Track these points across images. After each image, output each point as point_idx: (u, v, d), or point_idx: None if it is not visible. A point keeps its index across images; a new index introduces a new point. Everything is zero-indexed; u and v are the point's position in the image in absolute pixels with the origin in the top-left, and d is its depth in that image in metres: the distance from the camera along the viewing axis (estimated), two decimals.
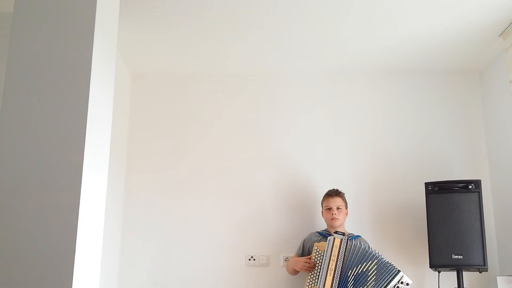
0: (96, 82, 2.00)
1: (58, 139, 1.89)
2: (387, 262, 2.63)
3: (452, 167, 3.33)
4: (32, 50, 1.98)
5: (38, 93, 1.94)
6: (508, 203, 3.05)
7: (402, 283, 2.57)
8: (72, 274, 1.78)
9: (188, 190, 3.37)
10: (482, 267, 2.80)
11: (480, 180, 2.94)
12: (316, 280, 2.70)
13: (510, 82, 2.90)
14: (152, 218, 3.34)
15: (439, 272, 3.00)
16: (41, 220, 1.82)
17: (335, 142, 3.42)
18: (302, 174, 3.37)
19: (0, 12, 2.66)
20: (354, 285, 2.59)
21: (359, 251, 2.65)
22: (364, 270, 2.61)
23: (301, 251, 3.02)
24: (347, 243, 2.66)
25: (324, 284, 2.61)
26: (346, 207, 3.04)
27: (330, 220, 2.96)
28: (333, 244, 2.67)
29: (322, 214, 3.08)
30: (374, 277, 2.59)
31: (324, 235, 2.96)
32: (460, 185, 2.93)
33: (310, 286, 2.73)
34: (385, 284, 2.56)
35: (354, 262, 2.63)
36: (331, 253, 2.66)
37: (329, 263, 2.64)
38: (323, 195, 3.09)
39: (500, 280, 2.77)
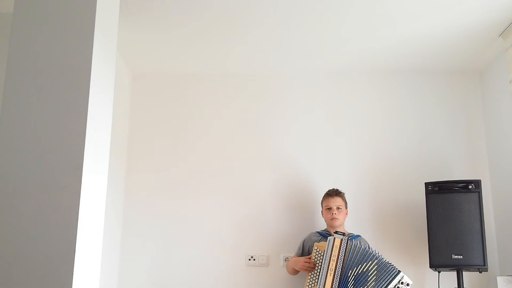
0: (96, 82, 2.00)
1: (58, 139, 1.89)
2: (387, 262, 2.63)
3: (452, 167, 3.33)
4: (32, 50, 1.98)
5: (38, 93, 1.94)
6: (508, 203, 3.05)
7: (402, 283, 2.57)
8: (72, 274, 1.78)
9: (188, 190, 3.37)
10: (482, 267, 2.80)
11: (480, 180, 2.94)
12: (316, 280, 2.69)
13: (510, 82, 2.90)
14: (152, 218, 3.34)
15: (439, 272, 3.00)
16: (41, 220, 1.82)
17: (335, 142, 3.42)
18: (302, 174, 3.37)
19: (0, 12, 2.66)
20: (354, 285, 2.59)
21: (359, 251, 2.65)
22: (364, 270, 2.61)
23: (301, 251, 3.02)
24: (347, 243, 2.66)
25: (324, 284, 2.61)
26: (346, 207, 3.04)
27: (330, 220, 2.96)
28: (333, 244, 2.67)
29: (322, 214, 3.08)
30: (374, 277, 2.59)
31: (324, 235, 2.96)
32: (460, 185, 2.93)
33: (310, 286, 2.73)
34: (385, 285, 2.56)
35: (354, 262, 2.63)
36: (331, 253, 2.66)
37: (329, 263, 2.64)
38: (323, 195, 3.09)
39: (500, 280, 2.77)
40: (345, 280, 2.61)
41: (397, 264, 2.68)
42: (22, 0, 2.04)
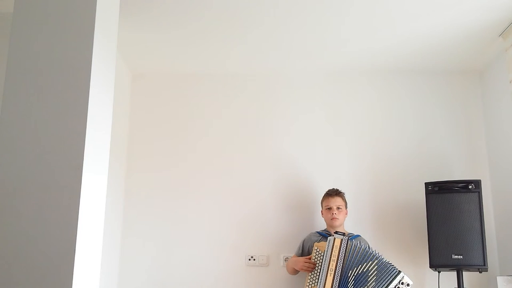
0: (96, 82, 2.00)
1: (58, 139, 1.89)
2: (388, 262, 2.63)
3: (452, 167, 3.33)
4: (32, 50, 1.98)
5: (38, 93, 1.94)
6: (508, 203, 3.05)
7: (402, 283, 2.57)
8: (72, 274, 1.78)
9: (188, 190, 3.37)
10: (482, 267, 2.80)
11: (480, 180, 2.94)
12: (316, 281, 2.69)
13: (510, 82, 2.90)
14: (152, 218, 3.34)
15: (439, 272, 3.00)
16: (41, 220, 1.82)
17: (335, 142, 3.42)
18: (302, 174, 3.37)
19: (0, 12, 2.66)
20: (355, 285, 2.59)
21: (359, 251, 2.64)
22: (364, 270, 2.61)
23: (300, 251, 3.02)
24: (347, 243, 2.66)
25: (325, 284, 2.61)
26: (346, 207, 3.04)
27: (330, 220, 2.96)
28: (333, 244, 2.67)
29: (322, 214, 3.08)
30: (375, 277, 2.59)
31: (324, 235, 2.96)
32: (460, 185, 2.93)
33: (310, 286, 2.73)
34: (385, 285, 2.56)
35: (355, 263, 2.63)
36: (331, 253, 2.66)
37: (329, 263, 2.64)
38: (323, 195, 3.09)
39: (500, 280, 2.77)
40: (345, 280, 2.61)
41: (397, 264, 2.68)
42: (22, 0, 2.04)
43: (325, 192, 3.08)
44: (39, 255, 1.80)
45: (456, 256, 2.83)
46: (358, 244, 2.68)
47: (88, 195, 1.93)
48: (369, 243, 2.97)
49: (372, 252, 2.65)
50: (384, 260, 2.63)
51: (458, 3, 2.63)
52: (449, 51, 3.20)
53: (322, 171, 3.36)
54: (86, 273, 1.91)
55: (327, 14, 2.75)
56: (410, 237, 3.24)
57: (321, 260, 2.72)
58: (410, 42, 3.08)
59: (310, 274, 2.76)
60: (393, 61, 3.36)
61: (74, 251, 1.80)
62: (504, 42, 2.96)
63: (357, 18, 2.79)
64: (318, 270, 2.72)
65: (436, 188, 2.97)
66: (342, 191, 3.06)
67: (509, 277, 2.77)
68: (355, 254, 2.64)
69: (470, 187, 2.90)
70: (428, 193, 3.00)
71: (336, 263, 2.63)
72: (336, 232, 2.76)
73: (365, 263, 2.62)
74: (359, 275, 2.60)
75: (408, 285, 2.58)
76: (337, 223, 2.95)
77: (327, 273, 2.62)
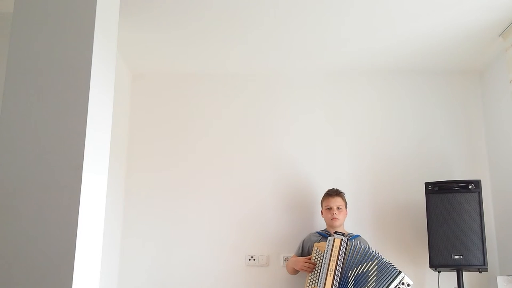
0: (96, 82, 2.00)
1: (58, 139, 1.89)
2: (388, 262, 2.63)
3: (452, 167, 3.33)
4: (32, 50, 1.98)
5: (38, 93, 1.94)
6: (508, 203, 3.05)
7: (403, 284, 2.57)
8: (72, 274, 1.78)
9: (188, 190, 3.37)
10: (482, 267, 2.80)
11: (480, 180, 2.94)
12: (317, 281, 2.69)
13: (510, 82, 2.90)
14: (152, 218, 3.34)
15: (439, 272, 3.00)
16: (41, 220, 1.82)
17: (335, 142, 3.42)
18: (302, 174, 3.37)
19: (0, 12, 2.66)
20: (355, 285, 2.59)
21: (359, 251, 2.64)
22: (364, 270, 2.61)
23: (300, 251, 3.02)
24: (347, 243, 2.66)
25: (325, 284, 2.61)
26: (346, 207, 3.04)
27: (331, 220, 2.96)
28: (333, 245, 2.67)
29: (322, 214, 3.08)
30: (375, 277, 2.58)
31: (323, 235, 2.96)
32: (460, 185, 2.93)
33: (310, 286, 2.73)
34: (386, 285, 2.56)
35: (354, 263, 2.63)
36: (331, 253, 2.66)
37: (329, 263, 2.64)
38: (323, 195, 3.09)
39: (500, 280, 2.77)
40: (345, 280, 2.61)
41: (397, 264, 2.68)
42: (22, 0, 2.04)
43: (325, 192, 3.08)
44: (39, 255, 1.80)
45: (456, 256, 2.83)
46: (358, 244, 2.68)
47: (88, 195, 1.93)
48: (369, 243, 2.97)
49: (372, 252, 2.65)
50: (384, 260, 2.63)
51: (458, 3, 2.63)
52: (449, 51, 3.20)
53: (322, 171, 3.36)
54: (86, 273, 1.91)
55: (327, 14, 2.75)
56: (410, 237, 3.24)
57: (321, 261, 2.72)
58: (410, 42, 3.08)
59: (310, 274, 2.76)
60: (393, 61, 3.36)
61: (74, 251, 1.80)
62: (504, 42, 2.96)
63: (357, 18, 2.79)
64: (318, 270, 2.72)
65: (436, 188, 2.97)
66: (342, 191, 3.06)
67: (509, 277, 2.77)
68: (355, 254, 2.64)
69: (470, 187, 2.90)
70: (428, 193, 3.00)
71: (336, 263, 2.63)
72: (336, 232, 2.76)
73: (365, 263, 2.62)
74: (359, 275, 2.60)
75: (408, 285, 2.58)
76: (337, 223, 2.95)
77: (327, 273, 2.62)
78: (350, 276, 2.61)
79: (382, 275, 2.59)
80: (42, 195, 1.84)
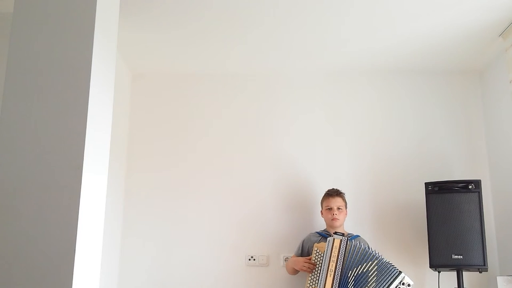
0: (96, 82, 2.00)
1: (58, 139, 1.89)
2: (388, 262, 2.63)
3: (452, 167, 3.33)
4: (32, 50, 1.98)
5: (38, 93, 1.94)
6: (508, 203, 3.05)
7: (403, 284, 2.57)
8: (72, 274, 1.78)
9: (188, 190, 3.37)
10: (482, 267, 2.80)
11: (480, 180, 2.94)
12: (317, 281, 2.69)
13: (510, 82, 2.90)
14: (152, 218, 3.34)
15: (439, 272, 3.00)
16: (41, 220, 1.82)
17: (335, 142, 3.42)
18: (302, 174, 3.37)
19: (0, 12, 2.66)
20: (355, 285, 2.59)
21: (359, 251, 2.64)
22: (364, 270, 2.61)
23: (300, 251, 3.01)
24: (346, 243, 2.66)
25: (325, 285, 2.61)
26: (346, 207, 3.04)
27: (331, 221, 2.96)
28: (332, 245, 2.67)
29: (322, 214, 3.07)
30: (375, 277, 2.58)
31: (323, 235, 2.95)
32: (460, 185, 2.93)
33: (310, 287, 2.73)
34: (386, 285, 2.56)
35: (354, 263, 2.63)
36: (330, 253, 2.66)
37: (329, 264, 2.64)
38: (323, 195, 3.09)
39: (500, 280, 2.77)
40: (345, 280, 2.61)
41: (397, 264, 2.68)
42: (22, 0, 2.04)
43: (325, 192, 3.08)
44: (39, 255, 1.80)
45: (456, 256, 2.82)
46: (358, 244, 2.68)
47: (88, 195, 1.93)
48: (369, 243, 2.97)
49: (372, 252, 2.65)
50: (384, 260, 2.63)
51: (458, 3, 2.63)
52: (449, 51, 3.20)
53: (322, 171, 3.36)
54: (86, 273, 1.91)
55: (327, 14, 2.75)
56: (410, 237, 3.24)
57: (321, 261, 2.72)
58: (410, 42, 3.08)
59: (310, 275, 2.76)
60: (393, 61, 3.36)
61: (74, 251, 1.80)
62: (504, 42, 2.96)
63: (357, 18, 2.79)
64: (318, 271, 2.72)
65: (436, 188, 2.97)
66: (342, 191, 3.06)
67: (509, 277, 2.77)
68: (354, 254, 2.64)
69: (470, 187, 2.90)
70: (428, 193, 3.00)
71: (336, 264, 2.63)
72: (335, 233, 2.76)
73: (365, 263, 2.62)
74: (359, 276, 2.60)
75: (409, 285, 2.58)
76: (337, 223, 2.95)
77: (327, 274, 2.62)
78: (350, 276, 2.61)
79: (382, 275, 2.59)
80: (42, 195, 1.84)
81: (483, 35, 2.98)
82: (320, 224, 3.16)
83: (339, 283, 2.60)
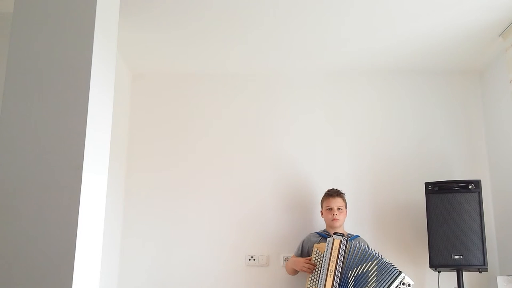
0: (96, 82, 2.00)
1: (58, 139, 1.89)
2: (388, 262, 2.63)
3: (452, 167, 3.33)
4: (32, 50, 1.98)
5: (38, 93, 1.94)
6: (508, 203, 3.05)
7: (403, 284, 2.57)
8: (72, 274, 1.78)
9: (188, 190, 3.37)
10: (482, 267, 2.80)
11: (480, 180, 2.94)
12: (317, 282, 2.69)
13: (510, 82, 2.90)
14: (152, 218, 3.34)
15: (439, 272, 3.00)
16: (41, 220, 1.82)
17: (335, 142, 3.42)
18: (302, 174, 3.37)
19: (0, 12, 2.66)
20: (355, 286, 2.59)
21: (358, 251, 2.64)
22: (364, 271, 2.61)
23: (300, 251, 3.01)
24: (346, 243, 2.66)
25: (325, 285, 2.61)
26: (346, 207, 3.04)
27: (331, 221, 2.96)
28: (332, 245, 2.67)
29: (322, 214, 3.07)
30: (375, 278, 2.58)
31: (323, 235, 2.95)
32: (460, 185, 2.93)
33: (310, 287, 2.73)
34: (386, 285, 2.56)
35: (354, 263, 2.63)
36: (330, 254, 2.66)
37: (329, 264, 2.64)
38: (323, 195, 3.09)
39: (500, 280, 2.77)
40: (345, 281, 2.61)
41: (397, 264, 2.68)
42: (22, 0, 2.04)
43: (325, 192, 3.08)
44: (39, 255, 1.80)
45: (456, 256, 2.82)
46: (358, 244, 2.68)
47: (88, 195, 1.93)
48: (369, 243, 2.97)
49: (372, 252, 2.65)
50: (384, 260, 2.63)
51: (458, 3, 2.63)
52: (449, 51, 3.20)
53: (322, 171, 3.36)
54: (86, 273, 1.91)
55: (327, 14, 2.75)
56: (410, 237, 3.24)
57: (321, 261, 2.72)
58: (410, 42, 3.08)
59: (310, 275, 2.76)
60: (393, 61, 3.36)
61: (74, 251, 1.80)
62: (504, 42, 2.96)
63: (357, 18, 2.79)
64: (318, 271, 2.72)
65: (436, 188, 2.97)
66: (343, 191, 3.06)
67: (509, 277, 2.77)
68: (354, 254, 2.64)
69: (470, 187, 2.90)
70: (428, 193, 3.00)
71: (336, 264, 2.63)
72: (335, 233, 2.76)
73: (365, 264, 2.62)
74: (359, 276, 2.60)
75: (409, 285, 2.58)
76: (337, 223, 2.95)
77: (327, 274, 2.62)
78: (350, 277, 2.61)
79: (382, 275, 2.58)
80: (42, 195, 1.84)
81: (483, 35, 2.98)
82: (320, 224, 3.16)
83: (339, 283, 2.60)
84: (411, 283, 2.58)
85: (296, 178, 3.37)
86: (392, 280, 2.57)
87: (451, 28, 2.90)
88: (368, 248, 2.69)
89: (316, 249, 2.80)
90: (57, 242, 1.80)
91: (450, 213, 2.89)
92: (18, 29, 2.00)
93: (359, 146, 3.40)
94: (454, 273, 2.89)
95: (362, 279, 2.60)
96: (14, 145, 1.89)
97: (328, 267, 2.63)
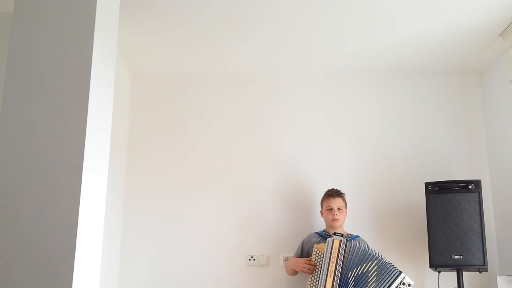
0: (96, 82, 2.00)
1: (58, 139, 1.89)
2: (388, 262, 2.62)
3: (452, 167, 3.33)
4: (32, 50, 1.98)
5: (38, 93, 1.94)
6: (508, 203, 3.05)
7: (404, 284, 2.57)
8: (72, 274, 1.77)
9: (188, 190, 3.37)
10: (482, 267, 2.80)
11: (480, 180, 2.94)
12: (317, 282, 2.69)
13: (510, 82, 2.90)
14: (152, 218, 3.34)
15: (439, 272, 3.00)
16: (41, 220, 1.82)
17: (335, 142, 3.42)
18: (302, 174, 3.37)
19: (0, 12, 2.66)
20: (355, 286, 2.59)
21: (358, 251, 2.64)
22: (364, 271, 2.61)
23: (300, 252, 3.01)
24: (346, 244, 2.65)
25: (325, 286, 2.61)
26: (346, 208, 3.04)
27: (331, 221, 2.96)
28: (332, 246, 2.67)
29: (322, 214, 3.07)
30: (375, 278, 2.58)
31: (323, 236, 2.95)
32: (460, 185, 2.93)
33: None
34: (386, 285, 2.56)
35: (354, 263, 2.63)
36: (330, 254, 2.66)
37: (328, 264, 2.64)
38: (323, 195, 3.08)
39: (500, 280, 2.77)
40: (345, 281, 2.60)
41: (397, 264, 2.68)
42: (22, 0, 2.04)
43: (325, 192, 3.08)
44: (39, 255, 1.80)
45: (456, 256, 2.82)
46: (357, 244, 2.68)
47: (88, 195, 1.93)
48: (369, 243, 2.97)
49: (372, 252, 2.65)
50: (384, 260, 2.63)
51: (458, 3, 2.63)
52: (449, 51, 3.20)
53: (322, 171, 3.36)
54: (86, 273, 1.91)
55: (327, 14, 2.75)
56: (410, 237, 3.24)
57: (321, 262, 2.72)
58: (410, 42, 3.08)
59: (311, 276, 2.76)
60: (393, 61, 3.36)
61: (74, 251, 1.80)
62: (504, 42, 2.96)
63: (357, 18, 2.79)
64: (318, 272, 2.72)
65: (436, 188, 2.97)
66: (343, 191, 3.06)
67: (509, 277, 2.77)
68: (354, 254, 2.64)
69: (470, 187, 2.90)
70: (428, 193, 3.00)
71: (336, 264, 2.63)
72: (335, 233, 2.76)
73: (365, 264, 2.62)
74: (359, 276, 2.60)
75: (409, 285, 2.58)
76: (337, 224, 2.95)
77: (327, 275, 2.62)
78: (350, 277, 2.61)
79: (382, 275, 2.58)
80: (42, 195, 1.84)
81: (483, 35, 2.98)
82: (320, 224, 3.16)
83: (339, 283, 2.60)
84: (411, 283, 2.58)
85: (296, 178, 3.37)
86: (392, 280, 2.57)
87: (451, 28, 2.90)
88: (368, 248, 2.69)
89: (316, 250, 2.80)
90: (57, 242, 1.80)
91: (450, 213, 2.89)
92: (18, 29, 2.00)
93: (359, 146, 3.40)
94: (454, 273, 2.89)
95: (362, 279, 2.59)
96: (14, 145, 1.89)
97: (328, 267, 2.63)
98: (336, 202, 2.97)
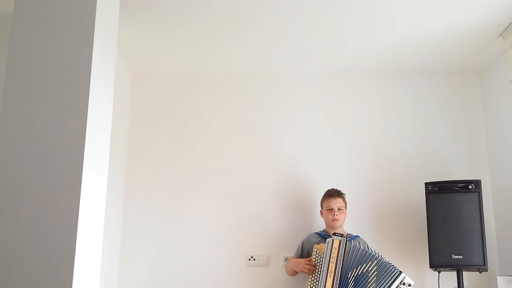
0: (96, 82, 2.00)
1: (58, 139, 1.89)
2: (388, 262, 2.62)
3: (452, 167, 3.33)
4: (32, 50, 1.98)
5: (38, 93, 1.94)
6: (508, 203, 3.05)
7: (404, 284, 2.57)
8: (72, 274, 1.77)
9: (188, 190, 3.37)
10: (482, 267, 2.80)
11: (480, 180, 2.94)
12: (317, 282, 2.69)
13: (510, 82, 2.90)
14: (152, 218, 3.34)
15: (439, 272, 3.00)
16: (41, 220, 1.82)
17: (335, 142, 3.42)
18: (302, 174, 3.37)
19: (0, 12, 2.66)
20: (355, 286, 2.59)
21: (358, 252, 2.64)
22: (364, 271, 2.61)
23: (300, 252, 3.01)
24: (346, 244, 2.65)
25: (325, 286, 2.61)
26: (346, 208, 3.04)
27: (331, 221, 2.95)
28: (332, 246, 2.67)
29: (322, 214, 3.07)
30: (375, 278, 2.58)
31: (323, 236, 2.95)
32: (460, 185, 2.93)
33: None
34: (386, 285, 2.56)
35: (354, 263, 2.62)
36: (330, 254, 2.66)
37: (328, 265, 2.64)
38: (323, 195, 3.08)
39: (500, 280, 2.77)
40: (345, 281, 2.60)
41: (397, 264, 2.68)
42: (22, 0, 2.04)
43: (325, 192, 3.07)
44: (39, 255, 1.80)
45: (456, 256, 2.83)
46: (357, 244, 2.68)
47: (88, 195, 1.93)
48: (368, 243, 2.97)
49: (372, 252, 2.65)
50: (384, 260, 2.63)
51: (458, 3, 2.63)
52: (449, 51, 3.20)
53: (322, 171, 3.36)
54: (86, 273, 1.91)
55: (327, 14, 2.75)
56: (410, 237, 3.24)
57: (321, 262, 2.72)
58: (410, 42, 3.08)
59: (311, 276, 2.76)
60: (393, 61, 3.36)
61: (74, 251, 1.80)
62: (504, 42, 2.96)
63: (357, 18, 2.79)
64: (318, 272, 2.72)
65: (436, 188, 2.97)
66: (343, 191, 3.06)
67: (509, 277, 2.77)
68: (354, 254, 2.64)
69: (470, 187, 2.90)
70: (428, 193, 3.00)
71: (336, 265, 2.63)
72: (335, 233, 2.76)
73: (365, 264, 2.62)
74: (359, 276, 2.60)
75: (409, 285, 2.58)
76: (338, 224, 2.95)
77: (327, 275, 2.62)
78: (350, 277, 2.61)
79: (382, 275, 2.58)
80: (42, 195, 1.84)
81: (483, 35, 2.98)
82: (320, 224, 3.16)
83: (339, 284, 2.60)
84: (412, 283, 2.58)
85: (296, 178, 3.37)
86: (392, 280, 2.57)
87: (451, 28, 2.90)
88: (368, 248, 2.69)
89: (316, 250, 2.80)
90: (57, 242, 1.80)
91: (450, 213, 2.89)
92: (18, 29, 2.00)
93: (359, 146, 3.40)
94: (454, 273, 2.89)
95: (362, 279, 2.59)
96: (14, 145, 1.89)
97: (328, 267, 2.63)
98: (336, 202, 2.97)
